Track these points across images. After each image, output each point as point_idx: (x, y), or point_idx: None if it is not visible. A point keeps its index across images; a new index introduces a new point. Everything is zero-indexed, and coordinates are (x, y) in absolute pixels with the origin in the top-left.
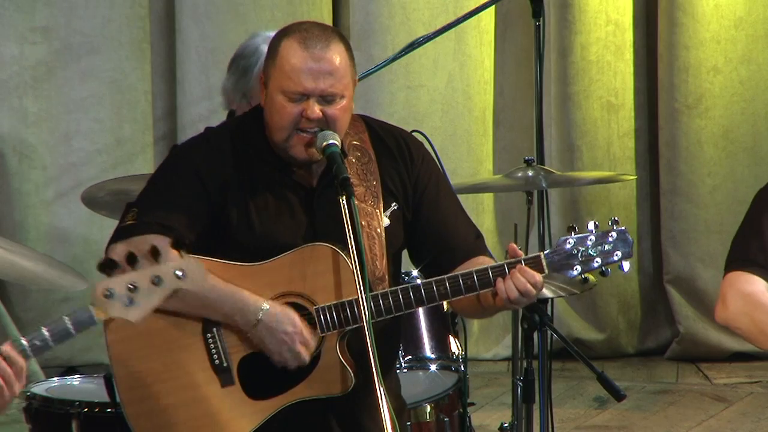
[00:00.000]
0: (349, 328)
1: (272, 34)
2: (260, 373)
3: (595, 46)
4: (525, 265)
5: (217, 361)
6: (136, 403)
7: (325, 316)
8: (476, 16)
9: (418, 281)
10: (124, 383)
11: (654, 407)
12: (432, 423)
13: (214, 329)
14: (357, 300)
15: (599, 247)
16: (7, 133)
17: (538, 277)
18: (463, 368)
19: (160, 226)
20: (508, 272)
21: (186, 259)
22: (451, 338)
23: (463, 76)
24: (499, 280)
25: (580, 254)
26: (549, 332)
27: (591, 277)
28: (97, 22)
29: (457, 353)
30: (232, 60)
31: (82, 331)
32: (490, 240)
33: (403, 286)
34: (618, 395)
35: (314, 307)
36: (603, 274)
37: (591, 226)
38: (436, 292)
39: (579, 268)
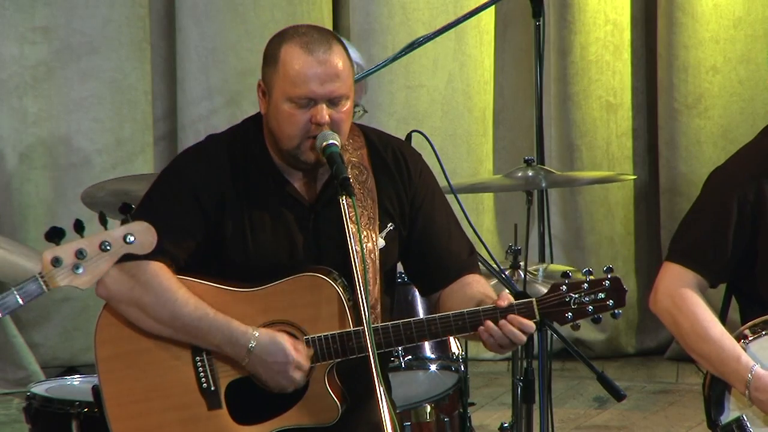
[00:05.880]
0: (339, 360)
1: None
2: (248, 398)
3: (594, 45)
4: (517, 311)
5: (204, 384)
6: (123, 421)
7: (314, 347)
8: (476, 16)
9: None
10: (112, 400)
11: (654, 407)
12: (432, 423)
13: (204, 353)
14: (348, 333)
15: (592, 296)
16: (7, 133)
17: (529, 325)
18: (463, 368)
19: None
20: (500, 319)
21: (135, 223)
22: (451, 338)
23: (463, 76)
24: (491, 325)
25: (572, 302)
26: (549, 332)
27: None
28: (97, 22)
29: (457, 353)
30: None
31: (31, 301)
32: (490, 240)
33: (394, 323)
34: (618, 395)
35: (304, 338)
36: (595, 321)
37: (585, 273)
38: (427, 331)
39: (571, 315)
